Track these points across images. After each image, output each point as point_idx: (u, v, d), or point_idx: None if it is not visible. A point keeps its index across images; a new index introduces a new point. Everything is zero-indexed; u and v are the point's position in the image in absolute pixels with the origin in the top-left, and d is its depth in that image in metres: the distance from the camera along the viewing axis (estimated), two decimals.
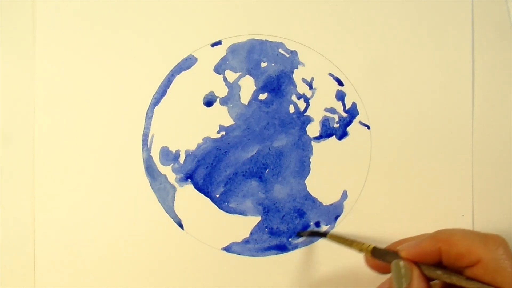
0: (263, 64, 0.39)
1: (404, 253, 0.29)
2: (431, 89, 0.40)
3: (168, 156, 0.38)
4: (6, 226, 0.37)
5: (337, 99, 0.39)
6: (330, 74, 0.39)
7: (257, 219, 0.39)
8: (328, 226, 0.39)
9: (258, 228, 0.39)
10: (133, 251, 0.38)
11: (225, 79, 0.39)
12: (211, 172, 0.39)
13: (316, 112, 0.39)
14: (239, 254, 0.38)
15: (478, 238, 0.27)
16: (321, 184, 0.39)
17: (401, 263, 0.29)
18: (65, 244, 0.37)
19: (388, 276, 0.32)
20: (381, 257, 0.31)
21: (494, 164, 0.40)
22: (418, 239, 0.30)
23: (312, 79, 0.39)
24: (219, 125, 0.39)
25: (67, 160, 0.38)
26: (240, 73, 0.39)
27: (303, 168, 0.39)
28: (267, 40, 0.39)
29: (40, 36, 0.38)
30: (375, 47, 0.40)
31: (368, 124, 0.39)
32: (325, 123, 0.39)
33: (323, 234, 0.38)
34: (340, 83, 0.39)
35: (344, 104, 0.39)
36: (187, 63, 0.39)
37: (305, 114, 0.39)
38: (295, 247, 0.39)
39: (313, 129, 0.39)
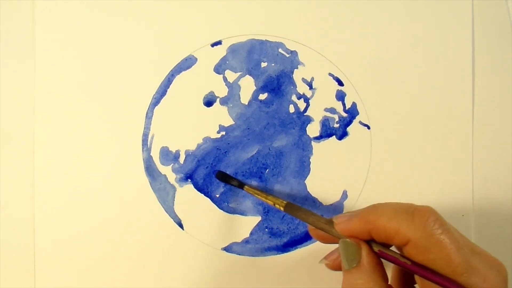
0: (263, 64, 0.39)
1: (338, 228, 0.28)
2: (431, 89, 0.40)
3: (168, 156, 0.38)
4: (6, 226, 0.37)
5: (337, 99, 0.39)
6: (330, 74, 0.39)
7: (257, 219, 0.39)
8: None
9: (258, 228, 0.39)
10: (133, 251, 0.38)
11: (225, 79, 0.39)
12: (211, 172, 0.39)
13: (316, 112, 0.39)
14: (239, 254, 0.38)
15: (405, 215, 0.25)
16: (321, 184, 0.39)
17: (349, 241, 0.27)
18: (65, 244, 0.38)
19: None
20: (294, 213, 0.32)
21: (494, 164, 0.40)
22: (352, 214, 0.28)
23: (312, 79, 0.39)
24: (219, 125, 0.39)
25: (67, 160, 0.38)
26: (240, 73, 0.39)
27: (303, 168, 0.39)
28: (267, 40, 0.39)
29: (40, 36, 0.38)
30: (375, 47, 0.40)
31: (368, 124, 0.39)
32: (325, 123, 0.39)
33: (241, 185, 0.37)
34: (340, 83, 0.39)
35: (344, 104, 0.39)
36: (187, 63, 0.39)
37: (305, 114, 0.39)
38: (290, 245, 0.39)
39: (313, 129, 0.39)
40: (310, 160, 0.39)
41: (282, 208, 0.33)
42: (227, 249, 0.38)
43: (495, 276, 0.24)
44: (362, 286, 0.26)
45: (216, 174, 0.38)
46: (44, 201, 0.37)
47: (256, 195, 0.36)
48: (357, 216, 0.27)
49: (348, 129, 0.39)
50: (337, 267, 0.29)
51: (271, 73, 0.39)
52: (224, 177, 0.38)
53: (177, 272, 0.38)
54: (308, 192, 0.39)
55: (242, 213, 0.39)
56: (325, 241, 0.30)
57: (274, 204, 0.34)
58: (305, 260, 0.39)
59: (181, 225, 0.38)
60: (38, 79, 0.38)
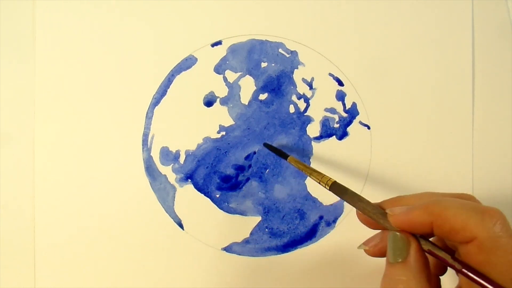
0: (263, 64, 0.39)
1: (393, 219, 0.27)
2: (431, 89, 0.40)
3: (168, 156, 0.38)
4: (6, 226, 0.37)
5: (337, 99, 0.39)
6: (330, 74, 0.39)
7: (257, 219, 0.39)
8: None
9: (258, 228, 0.39)
10: (133, 251, 0.38)
11: (225, 79, 0.39)
12: (211, 172, 0.39)
13: (316, 112, 0.39)
14: (239, 254, 0.38)
15: (474, 213, 0.24)
16: None
17: (399, 235, 0.26)
18: (65, 244, 0.37)
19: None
20: (340, 194, 0.29)
21: (494, 164, 0.40)
22: (410, 205, 0.27)
23: (312, 79, 0.39)
24: (219, 125, 0.39)
25: (67, 160, 0.38)
26: (240, 73, 0.39)
27: None
28: (267, 40, 0.39)
29: (40, 36, 0.38)
30: (375, 47, 0.40)
31: (368, 124, 0.39)
32: (325, 123, 0.39)
33: (285, 156, 0.36)
34: (340, 83, 0.39)
35: (344, 104, 0.39)
36: (187, 63, 0.39)
37: (305, 114, 0.39)
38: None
39: (313, 129, 0.39)
40: (310, 160, 0.39)
41: (327, 187, 0.30)
42: (227, 249, 0.38)
43: None
44: (404, 283, 0.25)
45: (264, 144, 0.38)
46: (44, 201, 0.37)
47: (300, 169, 0.33)
48: (419, 208, 0.26)
49: (348, 129, 0.39)
50: (376, 254, 0.29)
51: (271, 73, 0.39)
52: (270, 147, 0.38)
53: (177, 272, 0.38)
54: (308, 192, 0.39)
55: (242, 213, 0.39)
56: (372, 226, 0.29)
57: (319, 182, 0.31)
58: (305, 260, 0.39)
59: (181, 225, 0.38)
60: (38, 79, 0.38)
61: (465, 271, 0.24)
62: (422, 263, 0.26)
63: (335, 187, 0.29)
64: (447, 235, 0.25)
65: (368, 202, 0.28)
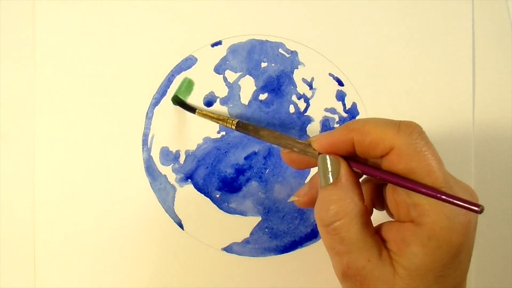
0: (263, 64, 0.39)
1: (316, 144, 0.27)
2: (431, 89, 0.40)
3: (168, 156, 0.38)
4: (6, 226, 0.37)
5: (337, 99, 0.39)
6: (330, 74, 0.39)
7: (257, 219, 0.39)
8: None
9: (258, 228, 0.39)
10: (133, 251, 0.38)
11: (225, 79, 0.39)
12: (211, 172, 0.39)
13: (316, 112, 0.39)
14: (239, 255, 0.38)
15: (392, 125, 0.26)
16: None
17: (328, 156, 0.27)
18: (65, 244, 0.38)
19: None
20: (244, 130, 0.33)
21: (494, 164, 0.40)
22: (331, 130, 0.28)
23: (312, 79, 0.39)
24: (219, 125, 0.39)
25: (67, 160, 0.38)
26: (240, 73, 0.39)
27: None
28: (267, 40, 0.39)
29: (40, 36, 0.38)
30: (375, 47, 0.40)
31: None
32: (325, 123, 0.39)
33: (193, 110, 0.37)
34: (340, 83, 0.39)
35: (344, 104, 0.39)
36: (187, 63, 0.39)
37: (305, 114, 0.39)
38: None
39: (313, 129, 0.39)
40: None
41: (233, 127, 0.34)
42: (227, 249, 0.38)
43: (469, 198, 0.24)
44: (336, 202, 0.26)
45: (172, 98, 0.38)
46: (44, 201, 0.37)
47: (209, 118, 0.36)
48: (340, 128, 0.27)
49: None
50: (307, 203, 0.29)
51: (271, 73, 0.39)
52: (179, 102, 0.38)
53: (177, 272, 0.38)
54: None
55: (242, 213, 0.39)
56: (297, 165, 0.30)
57: (226, 124, 0.35)
58: (305, 261, 0.39)
59: (181, 225, 0.38)
60: (38, 79, 0.38)
61: (396, 178, 0.25)
62: (353, 182, 0.26)
63: (242, 125, 0.33)
64: (368, 150, 0.26)
65: (289, 137, 0.29)
